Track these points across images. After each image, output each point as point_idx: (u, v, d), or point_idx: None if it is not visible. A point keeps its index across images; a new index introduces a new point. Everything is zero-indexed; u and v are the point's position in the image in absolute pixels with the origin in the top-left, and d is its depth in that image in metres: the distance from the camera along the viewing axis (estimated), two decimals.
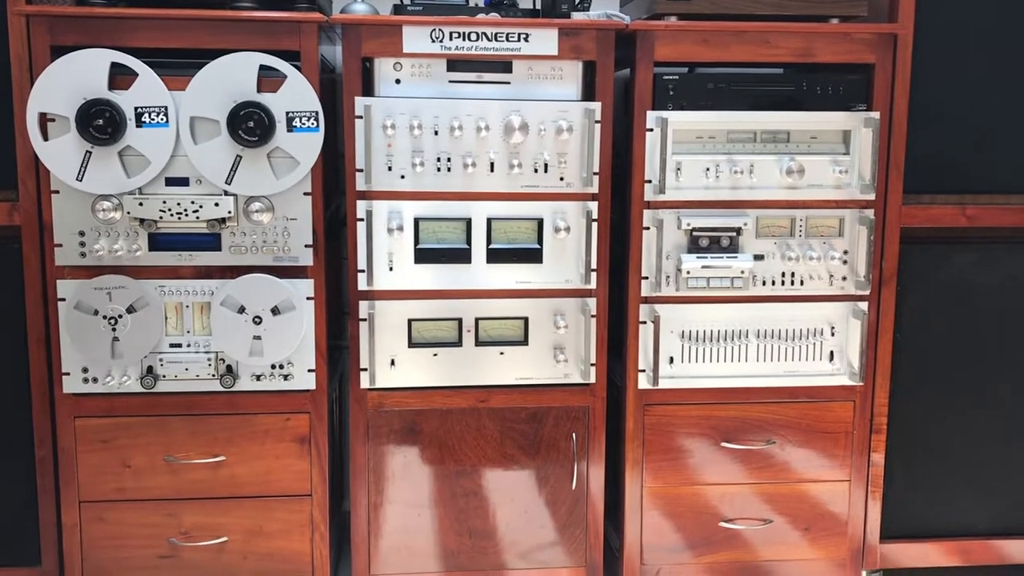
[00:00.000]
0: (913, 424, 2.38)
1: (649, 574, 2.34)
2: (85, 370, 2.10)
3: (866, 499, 2.37)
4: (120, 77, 2.00)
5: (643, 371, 2.25)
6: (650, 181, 2.17)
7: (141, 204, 2.04)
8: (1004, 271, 2.34)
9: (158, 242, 2.08)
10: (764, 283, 2.24)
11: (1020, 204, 2.35)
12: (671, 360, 2.25)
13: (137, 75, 2.00)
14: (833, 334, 2.29)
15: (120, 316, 2.08)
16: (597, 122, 2.13)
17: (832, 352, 2.30)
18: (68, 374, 2.09)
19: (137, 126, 2.01)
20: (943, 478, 2.42)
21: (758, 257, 2.23)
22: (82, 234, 2.05)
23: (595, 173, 2.15)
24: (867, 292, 2.26)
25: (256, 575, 2.22)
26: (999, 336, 2.37)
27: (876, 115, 2.19)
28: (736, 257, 2.20)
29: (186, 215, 2.05)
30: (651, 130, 2.15)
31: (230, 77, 2.01)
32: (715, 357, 2.26)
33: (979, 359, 2.37)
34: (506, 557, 2.29)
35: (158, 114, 2.01)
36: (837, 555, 2.39)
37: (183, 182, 2.06)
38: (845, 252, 2.25)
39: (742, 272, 2.21)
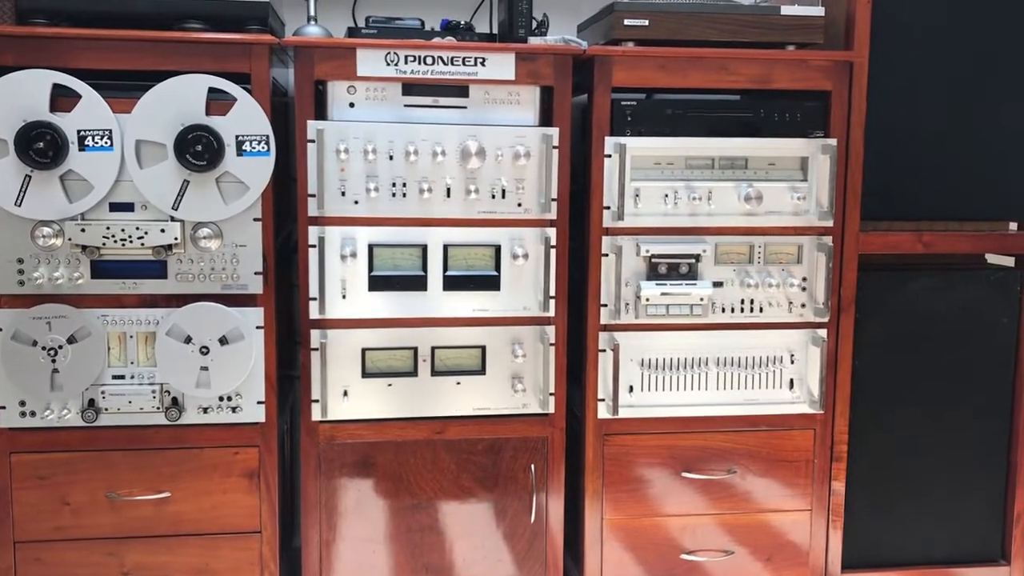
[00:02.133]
0: (873, 452, 2.37)
1: None
2: (22, 403, 2.01)
3: (827, 528, 2.35)
4: (62, 99, 1.93)
5: (602, 400, 2.21)
6: (608, 207, 2.15)
7: (83, 230, 1.97)
8: (960, 297, 2.35)
9: (101, 269, 2.00)
10: (723, 310, 2.22)
11: (974, 231, 2.36)
12: (631, 389, 2.22)
13: (80, 97, 1.93)
14: (793, 361, 2.27)
15: (60, 347, 2.00)
16: (555, 147, 2.10)
17: (792, 380, 2.28)
18: (4, 407, 2.00)
19: (80, 149, 1.94)
20: (903, 506, 2.40)
21: (717, 284, 2.21)
22: (20, 261, 1.97)
23: (553, 199, 2.12)
24: (826, 319, 2.25)
25: None
26: (957, 362, 2.36)
27: (833, 142, 2.19)
28: (695, 284, 2.18)
29: (130, 241, 1.98)
30: (609, 156, 2.13)
31: (178, 100, 1.95)
32: (675, 385, 2.23)
33: (937, 385, 2.37)
34: None
35: (102, 137, 1.94)
36: None
37: (128, 207, 1.99)
38: (804, 279, 2.24)
39: (701, 299, 2.19)
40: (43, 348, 1.99)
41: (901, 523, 2.41)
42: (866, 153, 2.25)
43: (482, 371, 2.16)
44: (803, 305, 2.25)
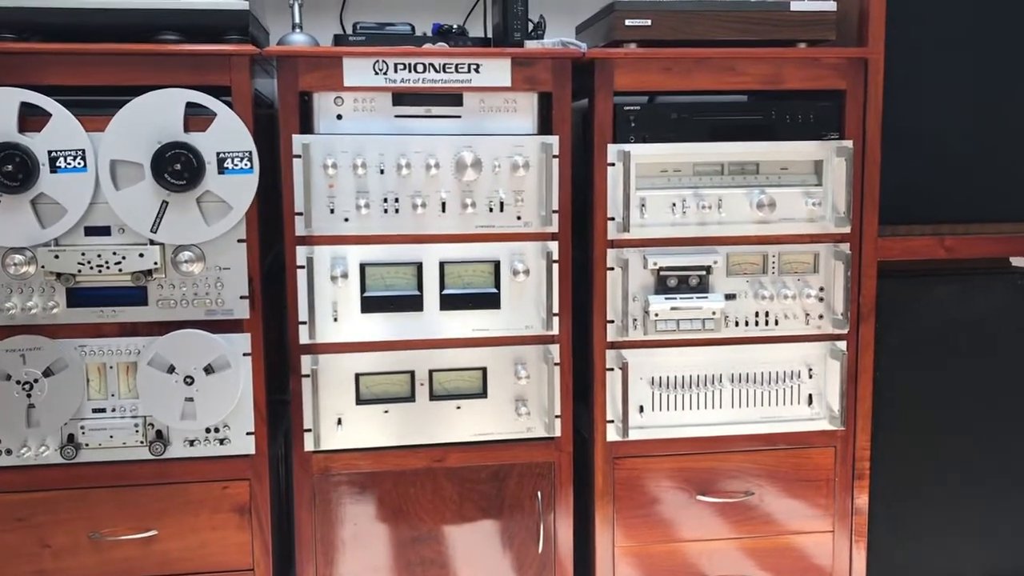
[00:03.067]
0: (896, 468, 2.25)
1: None
2: None
3: (850, 549, 2.23)
4: (31, 118, 1.82)
5: (611, 422, 2.10)
6: (613, 218, 2.03)
7: (57, 257, 1.86)
8: (985, 302, 2.23)
9: (77, 298, 1.89)
10: (737, 324, 2.11)
11: (998, 233, 2.24)
12: (641, 409, 2.10)
13: (51, 115, 1.82)
14: (811, 376, 2.16)
15: (36, 380, 1.88)
16: (555, 157, 1.98)
17: (811, 395, 2.16)
18: None
19: (51, 171, 1.83)
20: (929, 523, 2.29)
21: (730, 296, 2.09)
22: None
23: (554, 211, 2.00)
24: (845, 330, 2.13)
25: None
26: (983, 371, 2.25)
27: (849, 143, 2.08)
28: (706, 297, 2.06)
29: (108, 267, 1.87)
30: (612, 164, 2.02)
31: (154, 116, 1.84)
32: (687, 404, 2.12)
33: (963, 396, 2.25)
34: None
35: (75, 158, 1.83)
36: None
37: (104, 231, 1.88)
38: (821, 289, 2.12)
39: (713, 313, 2.07)
40: (17, 382, 1.88)
41: (928, 541, 2.29)
42: (883, 154, 2.13)
43: (483, 394, 2.04)
44: (821, 316, 2.14)
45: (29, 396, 1.88)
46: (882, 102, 2.11)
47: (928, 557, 2.30)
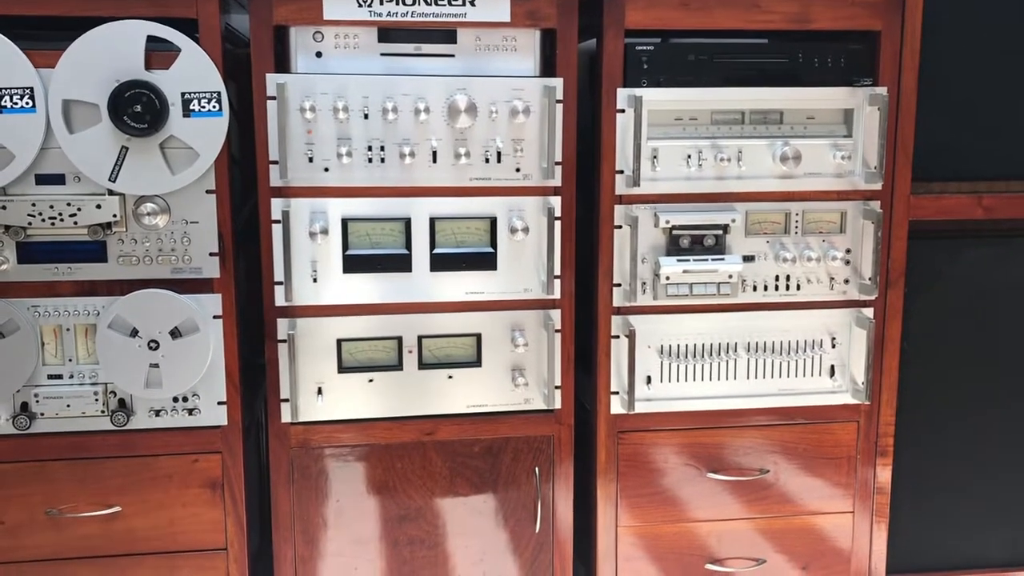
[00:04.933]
0: (921, 445, 2.09)
1: None
2: None
3: (871, 531, 2.08)
4: None
5: (616, 393, 1.93)
6: (622, 171, 1.85)
7: (5, 208, 1.67)
8: None
9: (29, 253, 1.72)
10: (755, 288, 1.93)
11: None
12: (648, 380, 1.93)
13: None
14: (834, 345, 1.98)
15: None
16: (559, 102, 1.79)
17: (833, 366, 1.99)
18: None
19: None
20: (956, 504, 2.14)
21: (748, 259, 1.91)
22: None
23: (557, 163, 1.81)
24: (873, 296, 1.95)
25: None
26: (1018, 342, 2.08)
27: (883, 91, 1.88)
28: (723, 259, 1.88)
29: (61, 220, 1.69)
30: (622, 111, 1.82)
31: (111, 51, 1.65)
32: (699, 375, 1.95)
33: (996, 369, 2.09)
34: None
35: (22, 97, 1.64)
36: None
37: (57, 180, 1.70)
38: (847, 251, 1.94)
39: (730, 276, 1.89)
40: None
41: (953, 523, 2.15)
42: (918, 104, 1.94)
43: (477, 362, 1.87)
44: (846, 281, 1.96)
45: None
46: (920, 45, 1.91)
47: (953, 540, 2.16)
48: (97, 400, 1.77)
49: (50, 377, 1.76)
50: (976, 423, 2.11)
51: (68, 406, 1.76)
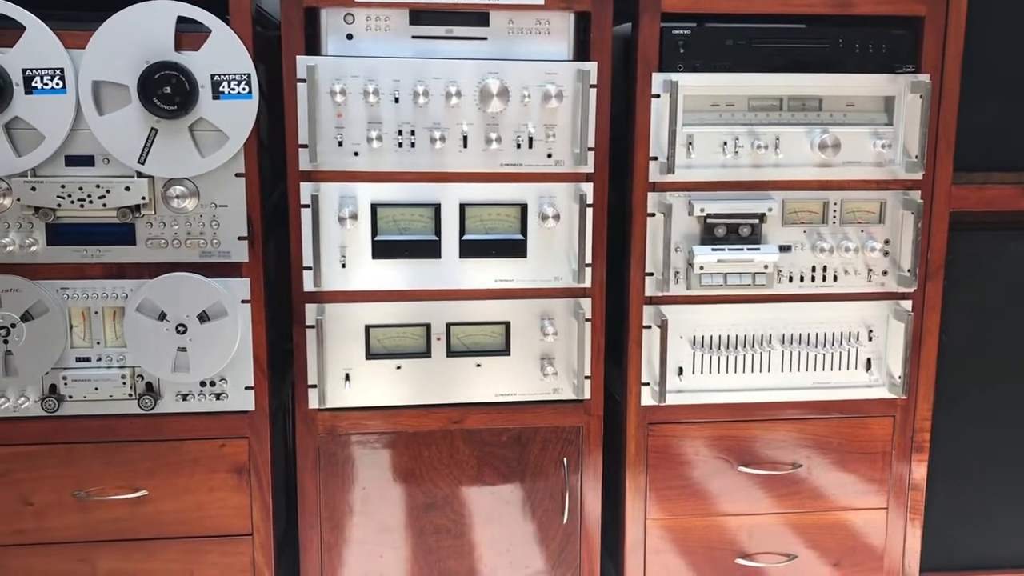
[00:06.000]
0: (958, 440, 2.05)
1: None
2: None
3: (905, 528, 2.03)
4: (3, 31, 1.62)
5: (647, 384, 1.90)
6: (656, 158, 1.81)
7: (35, 189, 1.67)
8: None
9: (58, 235, 1.71)
10: (791, 279, 1.89)
11: None
12: (680, 371, 1.90)
13: (24, 28, 1.61)
14: (871, 338, 1.94)
15: (13, 325, 1.71)
16: (592, 86, 1.75)
17: (869, 360, 1.95)
18: None
19: (27, 92, 1.63)
20: (992, 503, 2.09)
21: (784, 248, 1.87)
22: None
23: (590, 149, 1.78)
24: (912, 289, 1.91)
25: None
26: None
27: (926, 78, 1.83)
28: (758, 249, 1.84)
29: (90, 202, 1.68)
30: (657, 96, 1.78)
31: (141, 31, 1.63)
32: (732, 367, 1.91)
33: None
34: None
35: (52, 78, 1.63)
36: None
37: (87, 161, 1.69)
38: (886, 242, 1.90)
39: (765, 267, 1.85)
40: None
41: (990, 521, 2.10)
42: (961, 91, 1.89)
43: (506, 351, 1.85)
44: (885, 272, 1.91)
45: (6, 342, 1.71)
46: (964, 31, 1.86)
47: (989, 539, 2.11)
48: (125, 383, 1.76)
49: (78, 360, 1.76)
50: (1015, 419, 2.06)
51: (96, 389, 1.76)
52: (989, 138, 1.94)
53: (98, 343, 1.76)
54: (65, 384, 1.75)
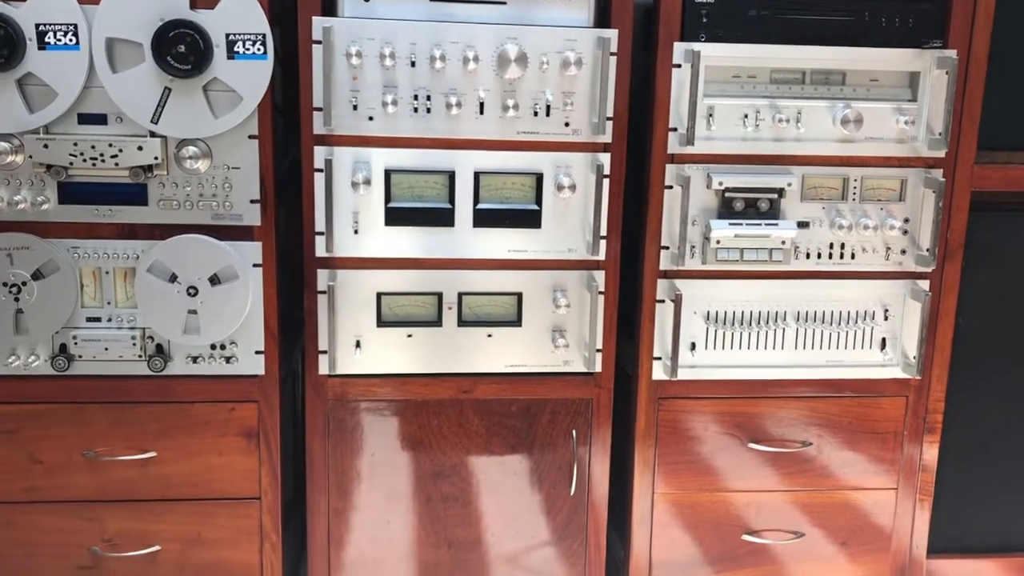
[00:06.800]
0: (970, 423, 2.03)
1: None
2: None
3: (914, 509, 2.02)
4: None
5: (659, 359, 1.88)
6: (675, 129, 1.78)
7: (47, 146, 1.65)
8: None
9: (70, 193, 1.70)
10: (808, 256, 1.87)
11: None
12: (693, 346, 1.88)
13: None
14: (887, 318, 1.92)
15: (24, 283, 1.71)
16: (613, 54, 1.72)
17: (884, 339, 1.93)
18: None
19: (39, 48, 1.61)
20: (1003, 486, 2.08)
21: (802, 224, 1.84)
22: None
23: (608, 118, 1.75)
24: (930, 268, 1.88)
25: None
26: None
27: (953, 54, 1.79)
28: (776, 224, 1.82)
29: (103, 161, 1.66)
30: (678, 66, 1.75)
31: None
32: (745, 343, 1.90)
33: None
34: (491, 571, 1.95)
35: (65, 33, 1.61)
36: (878, 573, 2.05)
37: (99, 120, 1.67)
38: (906, 220, 1.87)
39: (783, 242, 1.83)
40: (4, 284, 1.70)
41: (1000, 505, 2.09)
42: (988, 68, 1.85)
43: (517, 322, 1.83)
44: (903, 251, 1.89)
45: (17, 300, 1.71)
46: (994, 5, 1.82)
47: (998, 523, 2.10)
48: (135, 344, 1.76)
49: (89, 320, 1.75)
50: None
51: (106, 349, 1.75)
52: (1014, 116, 1.91)
53: (109, 303, 1.75)
54: (75, 344, 1.74)
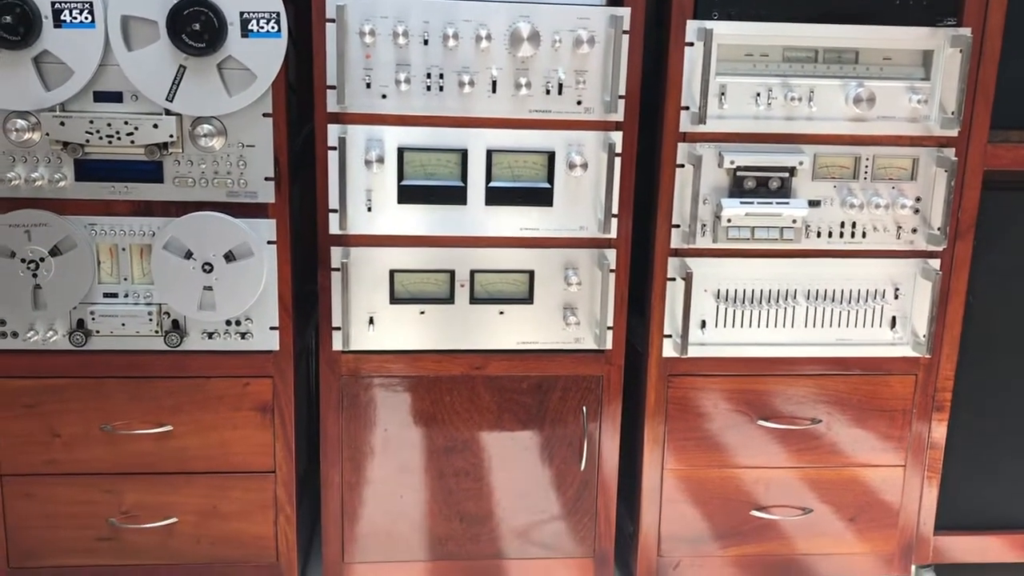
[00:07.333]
0: (979, 401, 2.04)
1: (667, 567, 2.02)
2: (2, 322, 1.76)
3: (922, 486, 2.04)
4: None
5: (669, 336, 1.90)
6: (687, 108, 1.78)
7: (63, 124, 1.67)
8: None
9: (87, 170, 1.71)
10: (819, 235, 1.87)
11: None
12: (703, 324, 1.90)
13: None
14: (897, 296, 1.92)
15: (42, 259, 1.73)
16: (625, 32, 1.72)
17: (894, 318, 1.93)
18: None
19: (55, 25, 1.62)
20: (1010, 464, 2.09)
21: (814, 203, 1.85)
22: None
23: (621, 96, 1.76)
24: (941, 247, 1.89)
25: (211, 561, 1.91)
26: None
27: (967, 32, 1.79)
28: (788, 203, 1.82)
29: (119, 138, 1.68)
30: (691, 44, 1.75)
31: None
32: (755, 322, 1.91)
33: None
34: (502, 545, 1.98)
35: (81, 11, 1.62)
36: (885, 549, 2.07)
37: (115, 97, 1.68)
38: (917, 199, 1.87)
39: (794, 221, 1.83)
40: (23, 260, 1.72)
41: (1007, 482, 2.10)
42: (1002, 46, 1.84)
43: (529, 299, 1.85)
44: (914, 231, 1.89)
45: (35, 276, 1.73)
46: None
47: (1005, 500, 2.11)
48: (151, 320, 1.78)
49: (106, 296, 1.77)
50: None
51: (123, 325, 1.78)
52: None
53: (125, 279, 1.77)
54: (93, 319, 1.77)
